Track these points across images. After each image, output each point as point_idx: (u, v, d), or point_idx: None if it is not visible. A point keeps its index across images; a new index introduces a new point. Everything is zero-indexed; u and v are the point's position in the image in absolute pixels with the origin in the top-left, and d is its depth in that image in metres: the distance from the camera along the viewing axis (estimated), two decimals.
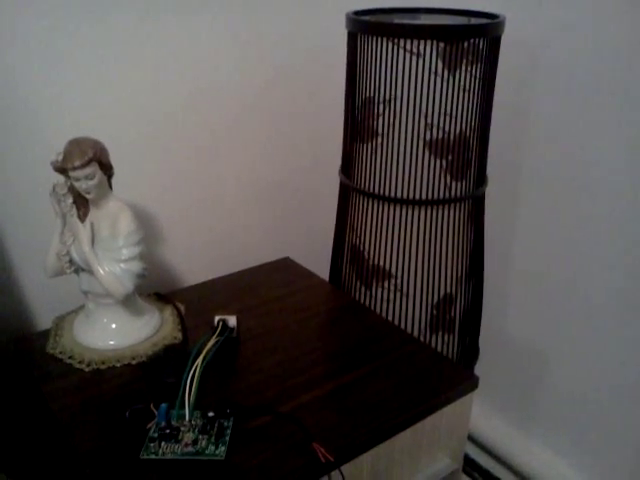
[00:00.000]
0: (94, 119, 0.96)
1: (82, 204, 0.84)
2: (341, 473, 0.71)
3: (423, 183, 0.98)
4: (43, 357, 0.87)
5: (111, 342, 0.88)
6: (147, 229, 1.04)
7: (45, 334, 0.92)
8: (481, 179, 1.03)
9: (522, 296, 1.25)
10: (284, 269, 1.15)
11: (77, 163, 0.78)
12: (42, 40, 0.87)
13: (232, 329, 0.89)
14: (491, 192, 1.14)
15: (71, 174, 0.79)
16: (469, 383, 0.85)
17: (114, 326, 0.89)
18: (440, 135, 0.95)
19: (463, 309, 1.11)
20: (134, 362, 0.86)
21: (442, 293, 1.07)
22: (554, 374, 1.23)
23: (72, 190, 0.82)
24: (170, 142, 1.05)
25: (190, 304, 1.01)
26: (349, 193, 1.07)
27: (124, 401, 0.78)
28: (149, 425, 0.73)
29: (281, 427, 0.75)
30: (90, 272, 0.85)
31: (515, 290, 1.26)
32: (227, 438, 0.71)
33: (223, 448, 0.70)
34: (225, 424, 0.73)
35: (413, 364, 0.88)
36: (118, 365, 0.85)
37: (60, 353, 0.87)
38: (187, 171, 1.09)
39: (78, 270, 0.87)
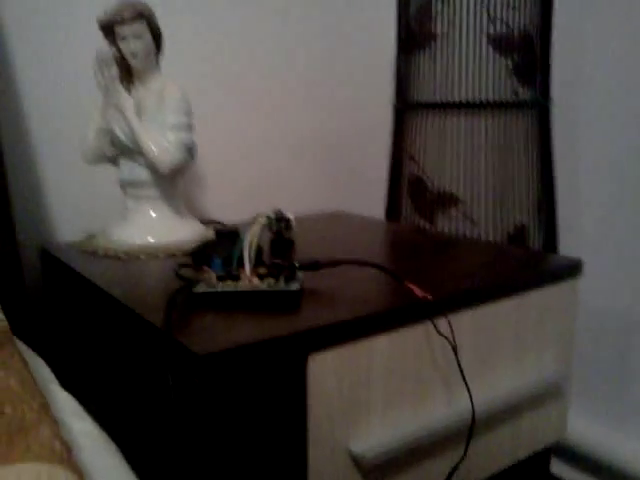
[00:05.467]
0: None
1: (127, 78, 0.77)
2: (448, 321, 0.57)
3: (488, 84, 0.91)
4: (77, 255, 0.76)
5: (151, 239, 0.77)
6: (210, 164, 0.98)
7: (75, 244, 0.81)
8: (546, 86, 0.95)
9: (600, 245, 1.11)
10: (336, 216, 1.04)
11: (126, 14, 0.72)
12: None
13: (288, 220, 0.78)
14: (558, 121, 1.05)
15: (118, 30, 0.73)
16: (573, 266, 0.72)
17: (156, 220, 0.78)
18: (504, 30, 0.90)
19: (538, 245, 0.99)
20: (179, 254, 0.74)
21: (515, 223, 0.96)
22: None
23: (118, 61, 0.76)
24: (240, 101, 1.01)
25: None
26: (405, 117, 0.99)
27: (171, 278, 0.65)
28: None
29: (364, 273, 0.62)
30: (132, 156, 0.76)
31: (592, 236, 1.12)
32: (299, 280, 0.58)
33: (297, 284, 0.57)
34: (294, 272, 0.60)
35: (510, 251, 0.75)
36: (161, 256, 0.74)
37: (94, 250, 0.76)
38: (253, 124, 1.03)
39: (117, 159, 0.78)
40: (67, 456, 0.32)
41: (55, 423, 0.34)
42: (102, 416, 0.49)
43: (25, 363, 0.40)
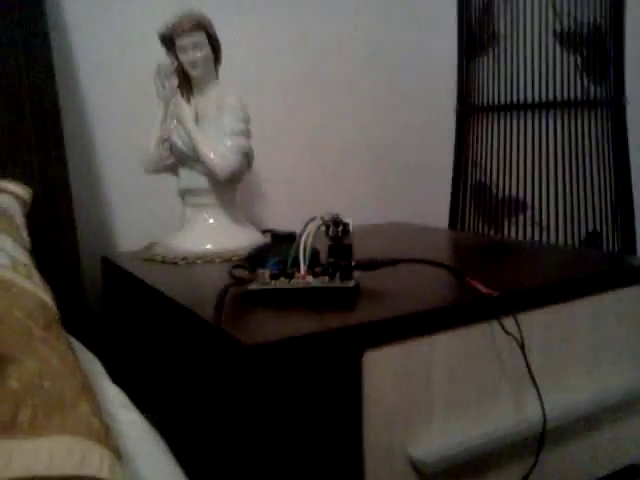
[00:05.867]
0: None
1: (186, 88, 0.78)
2: (515, 319, 0.53)
3: (556, 82, 0.87)
4: (137, 263, 0.76)
5: (209, 246, 0.76)
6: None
7: (135, 253, 0.82)
8: (620, 82, 0.90)
9: None
10: (396, 226, 1.01)
11: (186, 25, 0.73)
12: None
13: (345, 224, 0.76)
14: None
15: (178, 41, 0.74)
16: None
17: (214, 228, 0.78)
18: (572, 25, 0.86)
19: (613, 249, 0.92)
20: (236, 259, 0.73)
21: (589, 229, 0.90)
22: None
23: (177, 73, 0.77)
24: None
25: None
26: (469, 120, 0.96)
27: (227, 281, 0.64)
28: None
29: (423, 271, 0.59)
30: (191, 164, 0.77)
31: None
32: (354, 278, 0.56)
33: (353, 282, 0.55)
34: (350, 271, 0.58)
35: (584, 253, 0.70)
36: (218, 261, 0.73)
37: (153, 258, 0.76)
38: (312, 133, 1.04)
39: (176, 168, 0.79)
40: (104, 435, 0.30)
41: (94, 402, 0.33)
42: (153, 410, 0.48)
43: (70, 347, 0.40)
